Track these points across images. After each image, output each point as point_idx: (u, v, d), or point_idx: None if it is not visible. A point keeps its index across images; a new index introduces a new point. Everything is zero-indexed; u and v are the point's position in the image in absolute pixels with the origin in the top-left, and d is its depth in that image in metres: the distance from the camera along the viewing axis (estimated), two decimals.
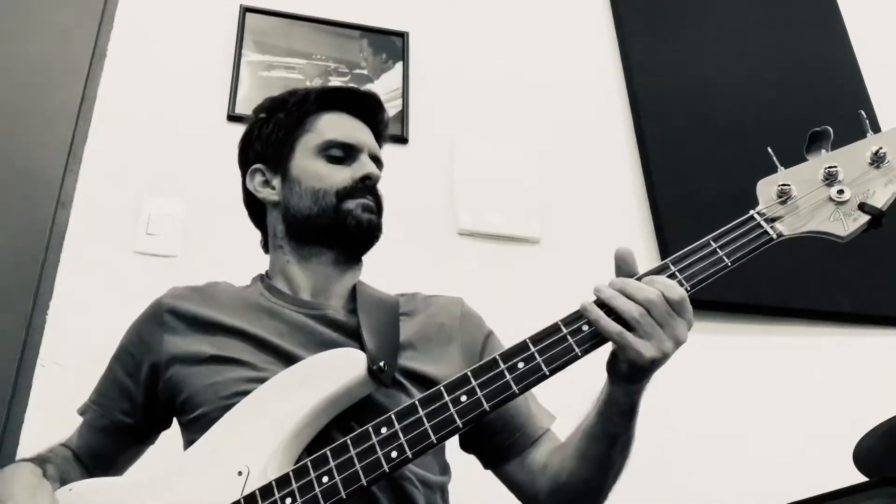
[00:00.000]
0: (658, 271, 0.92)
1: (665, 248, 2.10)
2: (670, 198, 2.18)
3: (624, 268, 0.93)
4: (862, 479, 1.15)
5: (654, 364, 0.87)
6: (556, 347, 0.89)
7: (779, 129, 2.38)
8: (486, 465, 1.15)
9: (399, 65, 2.21)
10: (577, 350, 0.89)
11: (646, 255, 2.12)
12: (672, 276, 0.90)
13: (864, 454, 1.17)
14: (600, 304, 0.89)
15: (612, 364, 0.91)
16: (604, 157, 2.27)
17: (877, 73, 2.58)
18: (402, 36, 2.26)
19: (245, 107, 2.01)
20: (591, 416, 0.99)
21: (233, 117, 2.01)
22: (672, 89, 2.37)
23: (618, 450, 0.99)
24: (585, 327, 0.90)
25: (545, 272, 2.02)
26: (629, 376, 0.90)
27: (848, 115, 2.76)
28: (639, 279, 0.90)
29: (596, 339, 0.89)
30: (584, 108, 2.33)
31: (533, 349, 0.90)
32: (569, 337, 0.89)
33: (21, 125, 1.89)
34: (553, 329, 0.91)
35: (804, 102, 2.46)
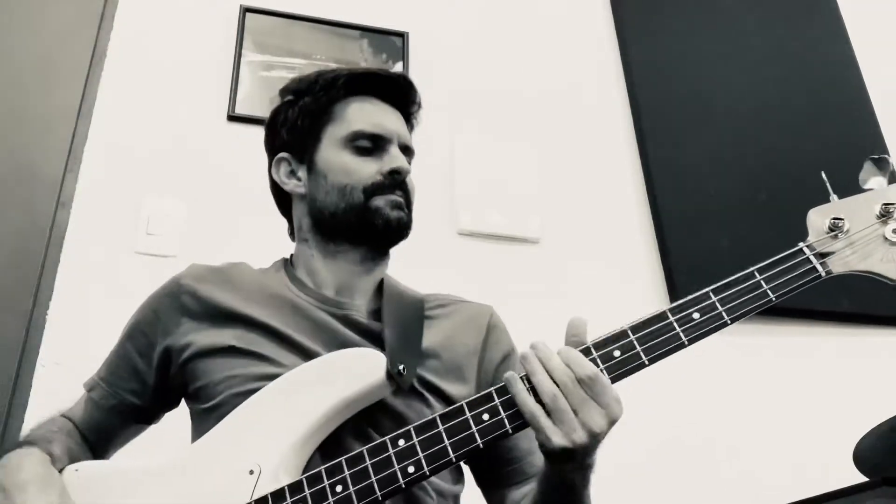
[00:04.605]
0: (606, 343, 0.86)
1: (664, 249, 2.11)
2: (670, 197, 2.18)
3: (570, 335, 0.88)
4: (862, 479, 1.15)
5: (568, 453, 0.82)
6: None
7: (779, 129, 2.39)
8: (477, 483, 1.14)
9: (399, 65, 2.21)
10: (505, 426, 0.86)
11: (645, 255, 2.13)
12: (588, 353, 0.85)
13: (864, 454, 1.18)
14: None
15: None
16: (604, 157, 2.27)
17: (877, 72, 2.58)
18: (402, 36, 2.26)
19: (245, 107, 2.01)
20: (535, 482, 0.96)
21: (233, 117, 2.01)
22: (672, 89, 2.37)
23: None
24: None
25: (545, 272, 2.02)
26: (548, 458, 0.86)
27: (848, 114, 2.76)
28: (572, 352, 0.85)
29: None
30: (584, 109, 2.33)
31: None
32: (501, 409, 0.86)
33: (21, 125, 1.89)
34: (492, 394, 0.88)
35: (804, 102, 2.46)
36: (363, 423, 0.97)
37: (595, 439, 0.82)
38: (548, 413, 0.82)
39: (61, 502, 0.92)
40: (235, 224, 1.83)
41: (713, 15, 2.58)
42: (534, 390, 0.84)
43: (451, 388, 1.05)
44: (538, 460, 1.07)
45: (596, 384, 0.82)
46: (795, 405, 1.97)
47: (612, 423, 0.82)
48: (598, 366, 0.85)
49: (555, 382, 0.82)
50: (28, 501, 0.90)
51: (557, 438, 0.81)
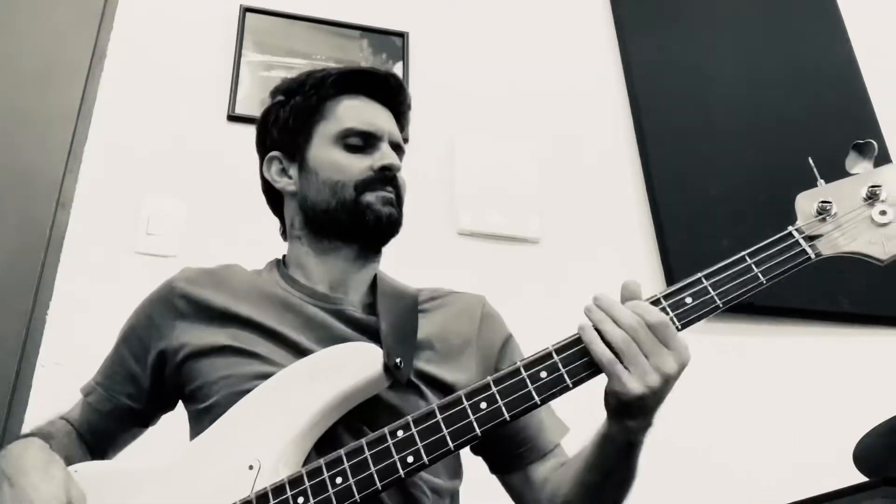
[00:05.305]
0: (659, 299, 0.88)
1: (665, 249, 2.11)
2: (670, 197, 2.18)
3: (626, 296, 0.89)
4: (862, 479, 1.15)
5: (642, 401, 0.83)
6: (573, 362, 0.87)
7: (779, 129, 2.39)
8: (492, 471, 1.14)
9: (399, 65, 2.21)
10: (568, 381, 0.86)
11: (646, 256, 2.13)
12: (665, 310, 0.87)
13: (864, 454, 1.18)
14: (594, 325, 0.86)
15: (606, 398, 0.88)
16: (604, 157, 2.27)
17: (877, 72, 2.58)
18: (402, 36, 2.26)
19: (245, 107, 2.01)
20: (589, 446, 0.96)
21: (233, 117, 2.01)
22: (672, 89, 2.37)
23: (612, 484, 0.96)
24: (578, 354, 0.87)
25: (545, 272, 2.02)
26: (619, 412, 0.87)
27: (848, 114, 2.76)
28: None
29: (591, 369, 0.86)
30: (584, 108, 2.33)
31: (556, 358, 0.87)
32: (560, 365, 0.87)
33: (21, 125, 1.89)
34: (545, 355, 0.88)
35: (804, 102, 2.46)
36: (358, 420, 0.97)
37: (667, 384, 0.83)
38: (620, 360, 0.83)
39: (65, 485, 0.92)
40: (235, 224, 1.83)
41: (713, 15, 2.58)
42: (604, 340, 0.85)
43: (449, 375, 1.06)
44: (551, 435, 1.10)
45: (667, 329, 0.84)
46: (796, 405, 1.96)
47: (682, 366, 0.84)
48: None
49: (624, 330, 0.84)
50: (33, 486, 0.91)
51: (633, 384, 0.82)
